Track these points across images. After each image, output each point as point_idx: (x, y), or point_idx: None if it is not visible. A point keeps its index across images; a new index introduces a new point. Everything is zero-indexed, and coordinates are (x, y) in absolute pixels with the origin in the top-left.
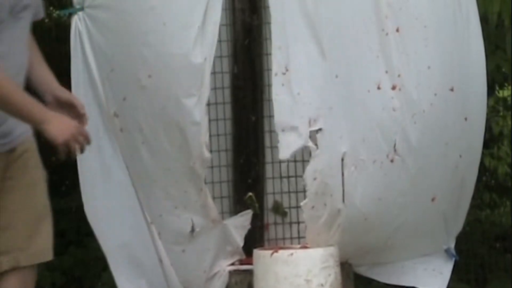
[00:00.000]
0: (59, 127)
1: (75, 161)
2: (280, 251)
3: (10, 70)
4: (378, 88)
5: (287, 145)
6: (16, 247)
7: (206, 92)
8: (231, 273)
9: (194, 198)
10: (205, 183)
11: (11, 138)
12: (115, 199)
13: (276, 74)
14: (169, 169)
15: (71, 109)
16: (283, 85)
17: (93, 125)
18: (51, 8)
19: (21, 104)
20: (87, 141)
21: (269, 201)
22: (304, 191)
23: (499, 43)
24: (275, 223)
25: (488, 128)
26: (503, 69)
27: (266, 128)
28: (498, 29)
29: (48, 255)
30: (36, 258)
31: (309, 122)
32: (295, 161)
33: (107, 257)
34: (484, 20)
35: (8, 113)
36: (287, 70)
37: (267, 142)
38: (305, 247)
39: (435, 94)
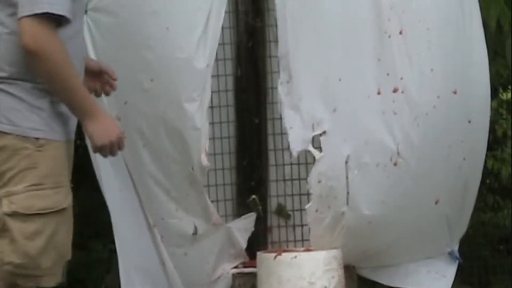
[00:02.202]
0: (102, 129)
1: (77, 164)
2: (284, 254)
3: (78, 52)
4: (380, 90)
5: (296, 141)
6: None
7: (207, 97)
8: (234, 276)
9: (196, 201)
10: (208, 185)
11: (70, 128)
12: (119, 202)
13: (281, 83)
14: (170, 172)
15: (100, 77)
16: (288, 93)
17: None
18: None
19: (77, 90)
20: (121, 149)
21: (273, 203)
22: (308, 193)
23: (499, 49)
24: (279, 226)
25: (491, 130)
26: (504, 76)
27: (270, 130)
28: (497, 35)
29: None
30: None
31: (313, 126)
32: (298, 163)
33: (119, 260)
34: (483, 26)
35: (61, 96)
36: (290, 77)
37: (270, 145)
38: (309, 250)
39: (438, 97)
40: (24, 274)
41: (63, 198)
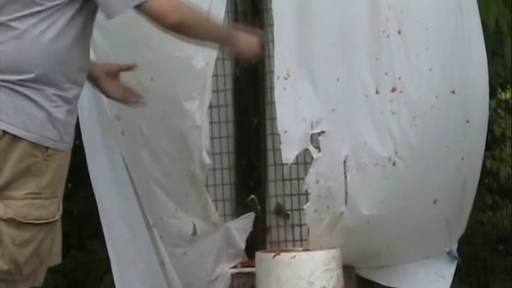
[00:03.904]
0: (246, 45)
1: (77, 164)
2: (282, 254)
3: (87, 52)
4: (378, 90)
5: (289, 148)
6: None
7: (207, 96)
8: (233, 275)
9: (195, 201)
10: (207, 185)
11: (73, 134)
12: (116, 201)
13: (278, 78)
14: (170, 172)
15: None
16: (285, 89)
17: (94, 128)
18: None
19: (216, 31)
20: None
21: (271, 203)
22: (307, 193)
23: (497, 49)
24: (277, 226)
25: (490, 130)
26: (502, 75)
27: (268, 130)
28: (496, 36)
29: (58, 259)
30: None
31: (311, 125)
32: (297, 163)
33: (111, 260)
34: (482, 26)
35: (205, 43)
36: (288, 74)
37: (269, 145)
38: (307, 250)
39: (436, 97)
40: (7, 280)
41: (56, 209)
